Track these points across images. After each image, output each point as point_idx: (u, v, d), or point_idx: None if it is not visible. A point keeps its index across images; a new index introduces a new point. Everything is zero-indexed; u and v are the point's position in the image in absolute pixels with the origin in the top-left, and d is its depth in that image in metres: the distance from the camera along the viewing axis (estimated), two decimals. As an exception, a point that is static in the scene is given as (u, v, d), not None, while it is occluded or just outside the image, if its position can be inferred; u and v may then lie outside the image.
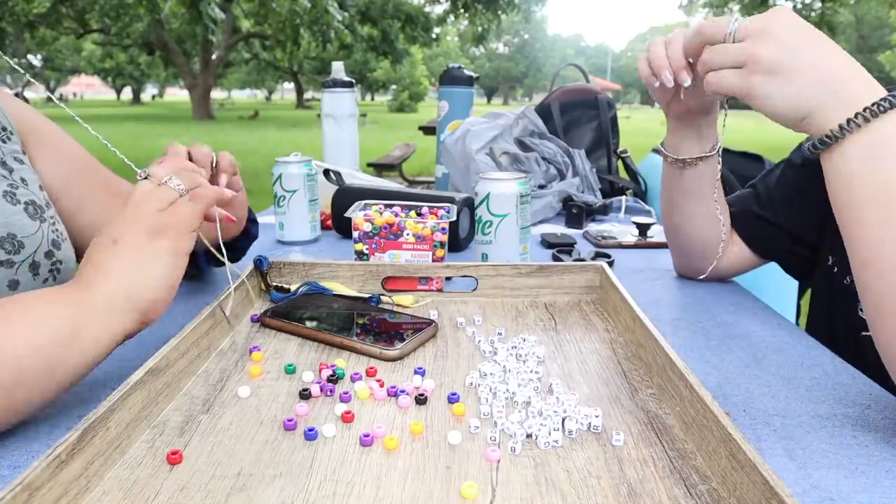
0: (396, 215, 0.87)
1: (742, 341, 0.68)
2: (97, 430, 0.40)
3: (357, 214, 0.85)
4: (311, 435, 0.45)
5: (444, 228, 0.83)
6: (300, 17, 11.58)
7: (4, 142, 0.68)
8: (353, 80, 1.53)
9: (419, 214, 0.89)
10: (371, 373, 0.55)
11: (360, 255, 0.85)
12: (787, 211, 0.80)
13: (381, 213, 0.86)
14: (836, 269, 0.73)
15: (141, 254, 0.52)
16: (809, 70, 0.53)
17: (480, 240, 0.89)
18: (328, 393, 0.52)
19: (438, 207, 0.89)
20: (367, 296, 0.72)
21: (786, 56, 0.53)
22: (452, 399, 0.50)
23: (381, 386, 0.52)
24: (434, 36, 15.96)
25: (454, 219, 0.85)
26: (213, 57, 18.27)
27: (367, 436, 0.45)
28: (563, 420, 0.47)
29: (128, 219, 0.54)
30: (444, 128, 1.43)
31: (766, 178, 0.85)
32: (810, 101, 0.53)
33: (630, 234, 1.11)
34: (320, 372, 0.55)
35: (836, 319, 0.74)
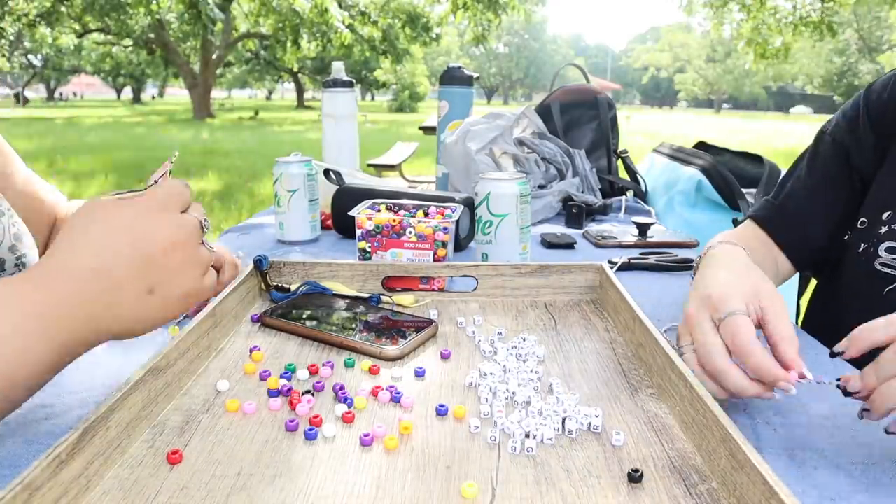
0: (404, 214, 0.87)
1: (742, 341, 0.68)
2: (97, 430, 0.40)
3: (360, 212, 0.85)
4: (311, 435, 0.45)
5: (446, 228, 0.83)
6: (300, 17, 11.58)
7: None
8: (353, 80, 1.53)
9: (426, 214, 0.89)
10: (375, 370, 0.55)
11: (364, 252, 0.86)
12: (821, 209, 0.80)
13: (386, 212, 0.86)
14: (850, 234, 0.77)
15: (163, 309, 0.47)
16: None
17: (480, 240, 0.89)
18: (322, 389, 0.52)
19: (446, 207, 0.89)
20: (367, 295, 0.72)
21: None
22: (441, 412, 0.49)
23: (381, 389, 0.52)
24: (434, 35, 15.97)
25: (457, 218, 0.85)
26: (213, 56, 18.27)
27: (367, 435, 0.45)
28: (564, 420, 0.47)
29: (177, 273, 0.47)
30: (444, 128, 1.43)
31: (790, 176, 0.85)
32: None
33: (630, 234, 1.11)
34: (319, 371, 0.55)
35: (849, 312, 0.75)
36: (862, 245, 0.74)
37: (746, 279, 0.54)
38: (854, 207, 0.78)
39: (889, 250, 0.70)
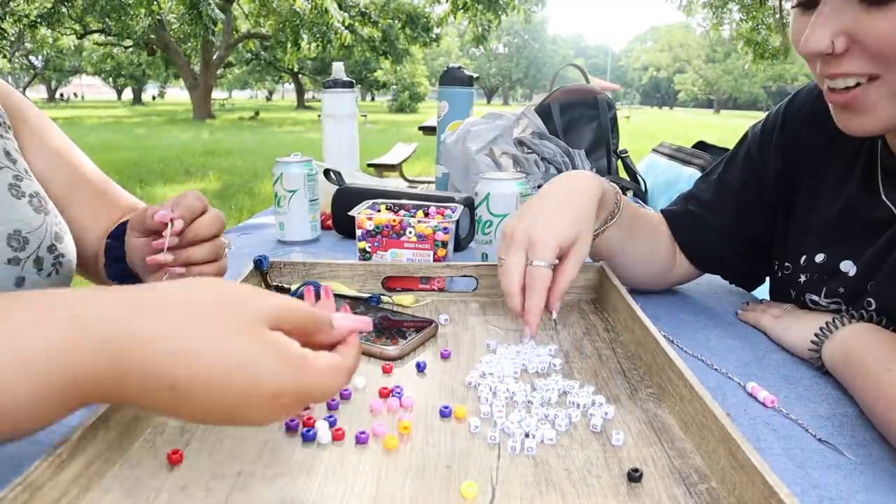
0: (404, 214, 0.87)
1: (742, 341, 0.68)
2: (98, 430, 0.40)
3: (360, 212, 0.85)
4: (310, 435, 0.45)
5: (446, 228, 0.83)
6: (300, 17, 11.59)
7: (2, 136, 0.67)
8: (354, 81, 1.53)
9: (426, 214, 0.89)
10: (387, 369, 0.56)
11: (364, 252, 0.86)
12: (723, 213, 0.77)
13: (386, 212, 0.87)
14: (780, 274, 0.74)
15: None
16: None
17: (480, 240, 0.89)
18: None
19: (445, 207, 0.90)
20: (367, 295, 0.72)
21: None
22: (444, 413, 0.49)
23: (390, 393, 0.52)
24: (434, 36, 15.98)
25: (457, 218, 0.85)
26: (214, 57, 18.27)
27: (363, 433, 0.45)
28: (565, 418, 0.47)
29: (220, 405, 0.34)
30: (444, 128, 1.43)
31: (705, 179, 0.81)
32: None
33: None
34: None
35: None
36: (792, 291, 0.71)
37: (571, 222, 0.61)
38: (763, 225, 0.75)
39: (813, 304, 0.67)
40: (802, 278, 0.69)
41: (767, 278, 0.81)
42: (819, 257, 0.67)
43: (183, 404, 0.34)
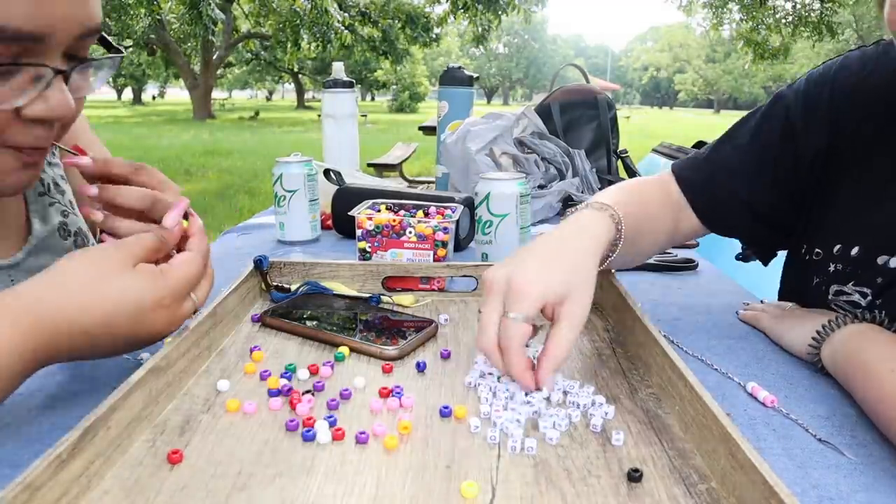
0: (404, 214, 0.87)
1: (742, 341, 0.68)
2: (98, 430, 0.40)
3: (360, 212, 0.85)
4: (310, 435, 0.45)
5: (446, 228, 0.83)
6: (300, 17, 11.59)
7: (50, 163, 0.67)
8: (354, 81, 1.54)
9: (426, 214, 0.89)
10: (387, 369, 0.56)
11: (363, 252, 0.86)
12: (751, 184, 0.72)
13: (386, 212, 0.87)
14: (808, 258, 0.71)
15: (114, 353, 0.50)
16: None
17: (480, 240, 0.89)
18: (322, 389, 0.52)
19: (445, 207, 0.90)
20: (367, 295, 0.72)
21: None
22: (444, 413, 0.49)
23: (387, 394, 0.52)
24: (434, 36, 15.99)
25: (457, 218, 0.85)
26: (214, 57, 18.28)
27: (363, 433, 0.45)
28: (565, 418, 0.47)
29: (152, 341, 0.50)
30: (444, 128, 1.43)
31: (729, 140, 0.75)
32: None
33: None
34: (319, 371, 0.55)
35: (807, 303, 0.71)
36: (815, 279, 0.69)
37: (562, 274, 0.52)
38: (791, 195, 0.71)
39: (837, 293, 0.66)
40: (832, 268, 0.67)
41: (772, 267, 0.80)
42: (854, 250, 0.65)
43: (103, 340, 0.47)
